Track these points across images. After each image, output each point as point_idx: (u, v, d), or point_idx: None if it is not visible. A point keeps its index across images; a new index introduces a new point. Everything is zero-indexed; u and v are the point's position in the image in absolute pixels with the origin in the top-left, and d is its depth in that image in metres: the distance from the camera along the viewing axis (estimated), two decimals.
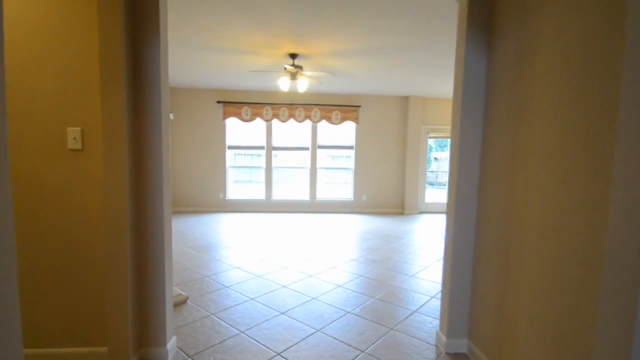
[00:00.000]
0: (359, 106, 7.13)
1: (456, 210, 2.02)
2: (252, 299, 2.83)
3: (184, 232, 5.19)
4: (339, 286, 3.16)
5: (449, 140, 7.96)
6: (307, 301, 2.81)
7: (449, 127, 7.36)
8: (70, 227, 1.77)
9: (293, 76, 4.47)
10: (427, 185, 7.51)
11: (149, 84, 1.80)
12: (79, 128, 1.73)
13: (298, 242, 4.75)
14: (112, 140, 1.70)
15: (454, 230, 2.03)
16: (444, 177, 10.28)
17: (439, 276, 3.40)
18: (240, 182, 10.75)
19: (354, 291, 3.05)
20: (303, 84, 4.49)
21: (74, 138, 1.73)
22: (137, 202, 1.84)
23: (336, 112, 7.10)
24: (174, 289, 2.44)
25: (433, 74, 5.25)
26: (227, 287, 3.07)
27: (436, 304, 2.77)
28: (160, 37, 1.77)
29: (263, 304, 2.73)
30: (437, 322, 2.43)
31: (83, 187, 1.76)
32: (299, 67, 4.40)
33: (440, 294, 2.53)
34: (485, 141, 1.93)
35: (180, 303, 2.65)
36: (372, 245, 4.65)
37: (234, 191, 7.58)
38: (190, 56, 4.50)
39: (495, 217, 1.82)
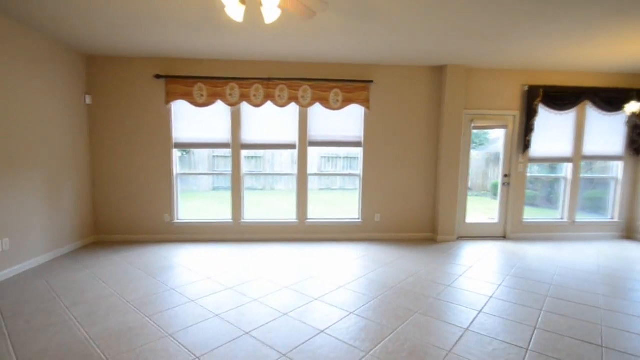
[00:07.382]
0: (371, 81, 4.74)
1: None
2: None
3: (69, 292, 2.86)
4: None
5: (502, 130, 4.88)
6: None
7: (501, 112, 4.98)
8: None
9: None
10: (468, 196, 5.16)
11: None
12: None
13: (257, 320, 2.43)
14: None
15: None
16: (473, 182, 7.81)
17: None
18: (194, 195, 8.30)
19: None
20: (272, 5, 2.11)
21: None
22: None
23: (336, 90, 4.73)
24: None
25: (502, 17, 2.87)
26: None
27: None
28: None
29: None
30: None
31: None
32: None
33: None
34: None
35: None
36: (409, 350, 2.32)
37: (186, 210, 5.25)
38: None
39: None
